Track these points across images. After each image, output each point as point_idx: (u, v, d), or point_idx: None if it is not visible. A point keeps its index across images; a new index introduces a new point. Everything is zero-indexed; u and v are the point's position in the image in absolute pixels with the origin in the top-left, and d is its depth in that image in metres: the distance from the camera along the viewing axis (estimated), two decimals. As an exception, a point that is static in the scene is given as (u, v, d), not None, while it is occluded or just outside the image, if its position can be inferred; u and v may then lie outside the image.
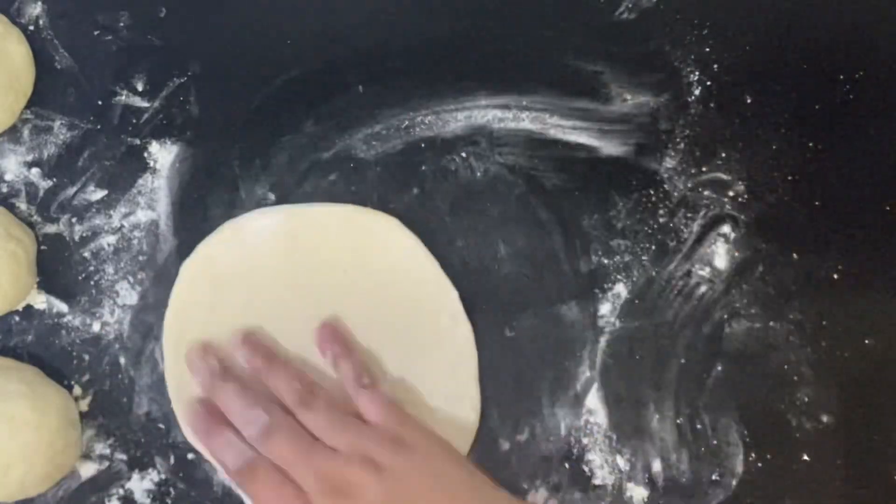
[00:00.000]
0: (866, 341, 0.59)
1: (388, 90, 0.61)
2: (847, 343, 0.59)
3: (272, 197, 0.60)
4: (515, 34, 0.61)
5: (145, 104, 0.61)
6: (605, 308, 0.59)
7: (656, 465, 0.58)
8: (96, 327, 0.59)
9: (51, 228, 0.60)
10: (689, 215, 0.60)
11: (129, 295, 0.60)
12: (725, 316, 0.59)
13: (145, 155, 0.61)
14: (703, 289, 0.59)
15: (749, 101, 0.61)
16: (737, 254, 0.60)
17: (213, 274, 0.59)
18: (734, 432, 0.58)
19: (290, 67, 0.61)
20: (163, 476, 0.59)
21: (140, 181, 0.60)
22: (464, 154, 0.60)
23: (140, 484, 0.58)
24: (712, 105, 0.61)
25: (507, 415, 0.58)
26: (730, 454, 0.58)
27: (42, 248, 0.60)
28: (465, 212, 0.60)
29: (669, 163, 0.60)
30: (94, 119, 0.61)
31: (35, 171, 0.60)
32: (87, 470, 0.58)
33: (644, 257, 0.60)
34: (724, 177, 0.60)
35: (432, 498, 0.51)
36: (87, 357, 0.59)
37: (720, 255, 0.60)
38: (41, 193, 0.60)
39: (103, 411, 0.59)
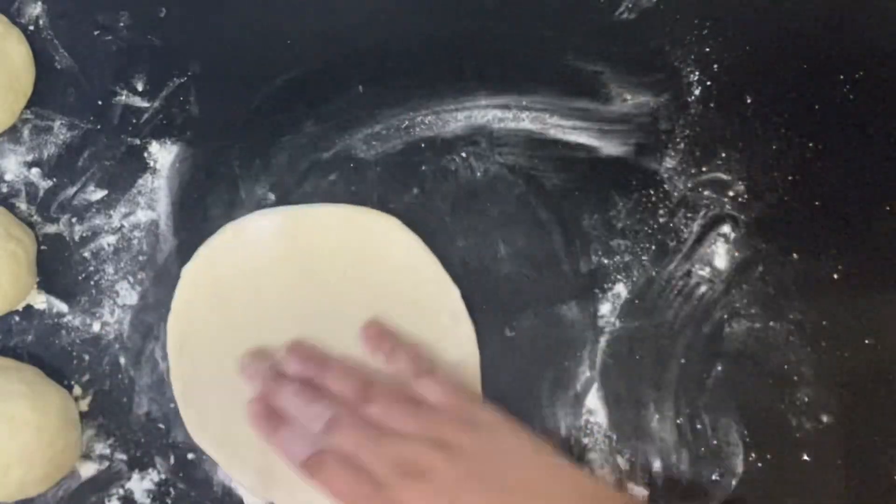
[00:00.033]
0: (866, 341, 0.59)
1: (388, 90, 0.61)
2: (847, 343, 0.59)
3: (272, 197, 0.60)
4: (515, 34, 0.61)
5: (145, 104, 0.61)
6: (605, 308, 0.59)
7: (656, 465, 0.58)
8: (96, 327, 0.59)
9: (51, 228, 0.60)
10: (689, 215, 0.60)
11: (129, 295, 0.60)
12: (725, 316, 0.59)
13: (145, 155, 0.61)
14: (703, 289, 0.59)
15: (749, 101, 0.61)
16: (737, 254, 0.60)
17: (215, 276, 0.59)
18: (734, 432, 0.58)
19: (290, 67, 0.61)
20: (163, 476, 0.59)
21: (140, 181, 0.60)
22: (464, 154, 0.60)
23: (140, 484, 0.58)
24: (712, 105, 0.61)
25: (507, 414, 0.58)
26: (730, 454, 0.58)
27: (42, 248, 0.60)
28: (465, 212, 0.60)
29: (669, 163, 0.60)
30: (94, 119, 0.61)
31: (35, 171, 0.60)
32: (87, 470, 0.58)
33: (644, 257, 0.60)
34: (724, 177, 0.60)
35: (505, 475, 0.51)
36: (87, 357, 0.59)
37: (720, 255, 0.60)
38: (41, 193, 0.60)
39: (103, 411, 0.59)
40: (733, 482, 0.58)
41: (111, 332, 0.59)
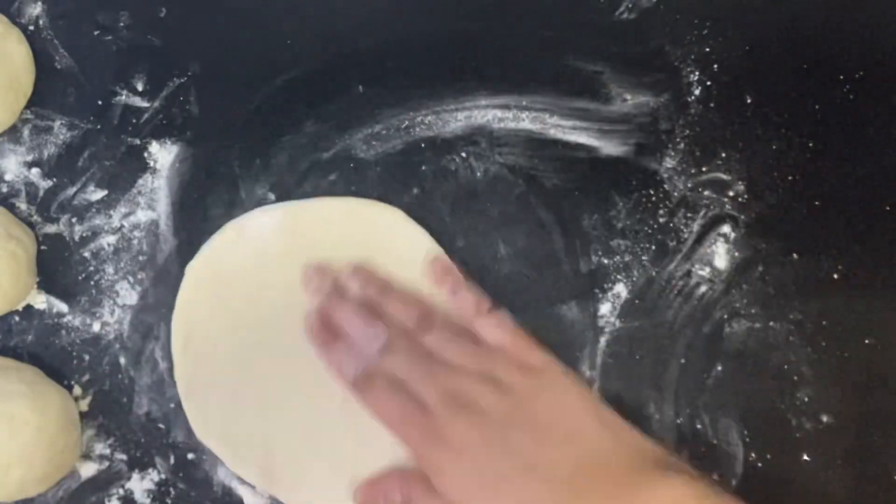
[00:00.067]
0: (866, 341, 0.59)
1: (388, 90, 0.61)
2: (847, 343, 0.59)
3: (272, 197, 0.60)
4: (515, 34, 0.61)
5: (145, 104, 0.61)
6: (605, 308, 0.59)
7: (656, 465, 0.58)
8: (96, 327, 0.59)
9: (51, 228, 0.60)
10: (689, 215, 0.60)
11: (129, 295, 0.60)
12: (725, 316, 0.59)
13: (145, 155, 0.61)
14: (703, 289, 0.59)
15: (749, 101, 0.61)
16: (737, 254, 0.60)
17: (218, 274, 0.59)
18: (734, 432, 0.58)
19: (290, 67, 0.61)
20: (163, 476, 0.59)
21: (140, 181, 0.60)
22: (464, 154, 0.60)
23: (140, 484, 0.58)
24: (712, 105, 0.61)
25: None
26: (730, 454, 0.58)
27: (42, 248, 0.60)
28: (465, 212, 0.60)
29: (669, 163, 0.60)
30: (94, 119, 0.61)
31: (35, 171, 0.60)
32: (87, 470, 0.58)
33: (644, 257, 0.60)
34: (724, 177, 0.60)
35: (553, 419, 0.51)
36: (87, 357, 0.59)
37: (720, 255, 0.60)
38: (41, 193, 0.60)
39: (103, 411, 0.59)
40: (733, 482, 0.58)
41: (111, 332, 0.59)
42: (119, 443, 0.59)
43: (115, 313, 0.60)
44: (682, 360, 0.59)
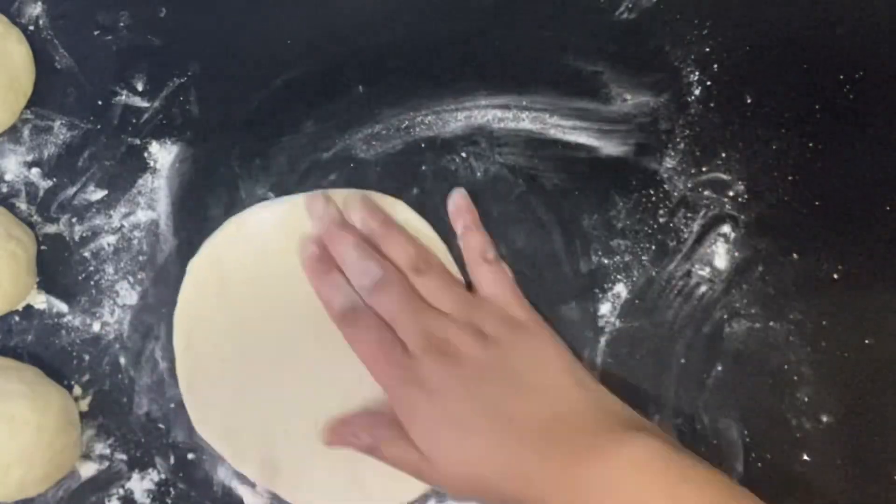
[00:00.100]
0: (866, 341, 0.59)
1: (388, 90, 0.61)
2: (847, 343, 0.59)
3: (272, 197, 0.60)
4: (515, 34, 0.61)
5: (145, 104, 0.61)
6: (605, 308, 0.59)
7: (656, 465, 0.58)
8: (96, 327, 0.59)
9: (51, 228, 0.60)
10: (689, 215, 0.60)
11: (129, 295, 0.60)
12: (725, 316, 0.59)
13: (145, 155, 0.61)
14: (703, 289, 0.59)
15: (749, 101, 0.61)
16: (737, 254, 0.60)
17: (221, 269, 0.59)
18: (734, 432, 0.58)
19: (290, 67, 0.61)
20: (163, 476, 0.59)
21: (140, 181, 0.60)
22: (464, 154, 0.60)
23: (140, 484, 0.58)
24: (712, 105, 0.61)
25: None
26: (730, 454, 0.58)
27: (42, 248, 0.60)
28: (465, 212, 0.60)
29: (669, 163, 0.60)
30: (94, 119, 0.61)
31: (35, 171, 0.60)
32: (87, 470, 0.58)
33: (644, 257, 0.60)
34: (724, 177, 0.60)
35: (531, 377, 0.52)
36: (87, 357, 0.59)
37: (720, 255, 0.60)
38: (41, 193, 0.60)
39: (103, 411, 0.59)
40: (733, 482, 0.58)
41: (111, 332, 0.59)
42: (119, 443, 0.59)
43: (115, 313, 0.60)
44: (682, 360, 0.59)
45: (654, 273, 0.60)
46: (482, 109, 0.61)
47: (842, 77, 0.61)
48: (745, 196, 0.60)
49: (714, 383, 0.59)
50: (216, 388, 0.58)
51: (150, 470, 0.59)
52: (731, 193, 0.60)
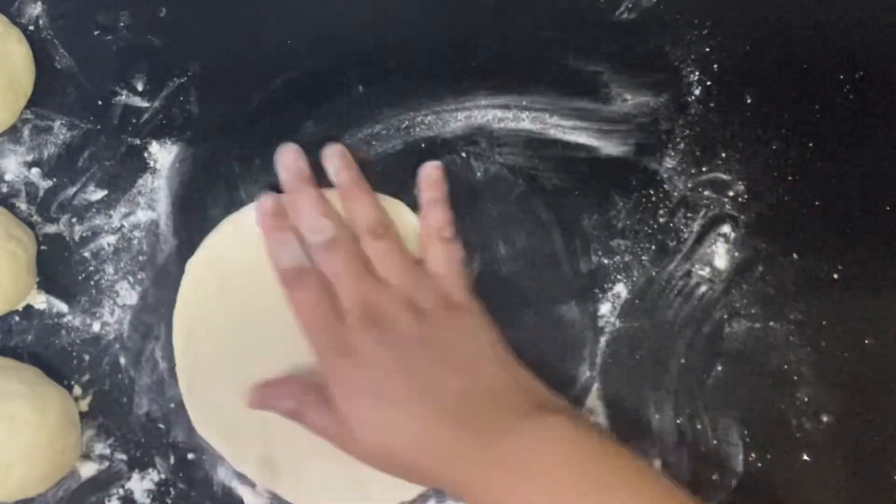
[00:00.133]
0: (866, 341, 0.59)
1: (388, 90, 0.61)
2: (847, 343, 0.59)
3: (272, 197, 0.60)
4: (515, 34, 0.61)
5: (145, 104, 0.61)
6: (605, 308, 0.59)
7: (656, 465, 0.58)
8: (96, 327, 0.59)
9: (51, 228, 0.60)
10: (689, 215, 0.60)
11: (129, 295, 0.60)
12: (725, 316, 0.59)
13: (145, 155, 0.61)
14: (703, 289, 0.59)
15: (749, 101, 0.61)
16: (737, 254, 0.60)
17: (219, 269, 0.59)
18: (734, 432, 0.58)
19: (290, 67, 0.61)
20: (163, 476, 0.59)
21: (140, 181, 0.60)
22: (464, 154, 0.60)
23: (140, 484, 0.58)
24: (712, 105, 0.61)
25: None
26: (730, 454, 0.58)
27: (42, 248, 0.60)
28: (465, 212, 0.60)
29: (669, 163, 0.60)
30: (94, 119, 0.61)
31: (35, 171, 0.60)
32: (87, 470, 0.58)
33: (644, 257, 0.60)
34: (724, 177, 0.60)
35: (458, 355, 0.52)
36: (87, 357, 0.59)
37: (720, 255, 0.60)
38: (41, 193, 0.60)
39: (103, 411, 0.59)
40: (733, 482, 0.58)
41: (111, 332, 0.59)
42: (119, 443, 0.59)
43: (115, 313, 0.60)
44: (682, 360, 0.59)
45: (654, 273, 0.60)
46: (482, 109, 0.61)
47: (842, 77, 0.61)
48: (745, 196, 0.60)
49: (714, 383, 0.59)
50: (216, 388, 0.58)
51: (150, 470, 0.59)
52: (731, 193, 0.60)
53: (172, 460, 0.59)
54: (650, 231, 0.60)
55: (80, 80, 0.61)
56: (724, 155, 0.60)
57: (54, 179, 0.60)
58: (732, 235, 0.60)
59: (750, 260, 0.60)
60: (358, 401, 0.51)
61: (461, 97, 0.61)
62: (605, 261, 0.60)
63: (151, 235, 0.60)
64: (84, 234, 0.60)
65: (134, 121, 0.61)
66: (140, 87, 0.61)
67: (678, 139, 0.60)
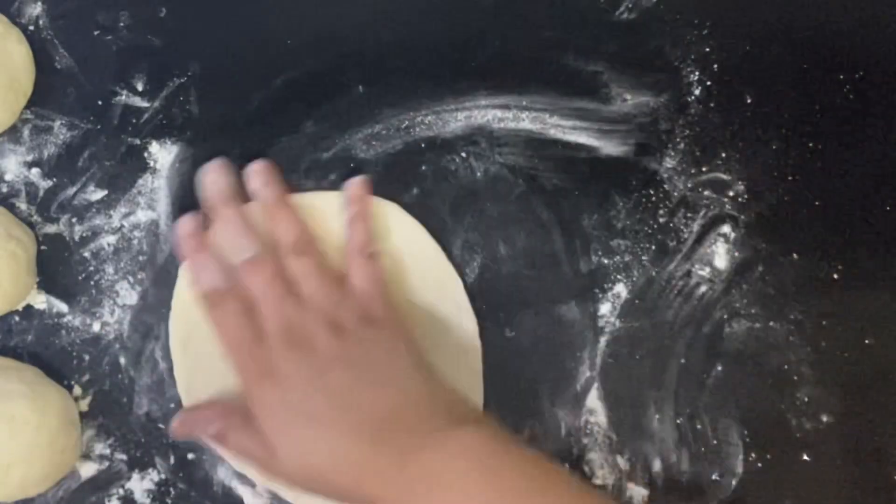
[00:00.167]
0: (866, 341, 0.59)
1: (388, 90, 0.61)
2: (847, 343, 0.59)
3: (272, 197, 0.60)
4: (515, 34, 0.61)
5: (145, 104, 0.61)
6: (605, 308, 0.59)
7: (656, 465, 0.58)
8: (96, 327, 0.59)
9: (51, 228, 0.60)
10: (689, 215, 0.60)
11: (129, 295, 0.60)
12: (725, 316, 0.59)
13: (145, 155, 0.61)
14: (703, 289, 0.59)
15: (749, 101, 0.61)
16: (737, 254, 0.60)
17: None
18: (734, 432, 0.58)
19: (290, 67, 0.61)
20: (163, 476, 0.59)
21: (140, 181, 0.60)
22: (464, 154, 0.60)
23: (140, 484, 0.58)
24: (712, 105, 0.61)
25: (507, 415, 0.58)
26: (730, 454, 0.58)
27: (42, 248, 0.60)
28: (465, 212, 0.60)
29: (669, 163, 0.60)
30: (94, 119, 0.61)
31: (35, 171, 0.60)
32: (87, 470, 0.58)
33: (644, 257, 0.60)
34: (724, 177, 0.60)
35: (377, 371, 0.52)
36: (87, 357, 0.59)
37: (720, 255, 0.60)
38: (41, 193, 0.60)
39: (103, 411, 0.59)
40: (733, 482, 0.58)
41: (111, 332, 0.59)
42: (119, 443, 0.59)
43: (115, 313, 0.59)
44: (682, 360, 0.59)
45: (654, 273, 0.60)
46: (482, 109, 0.61)
47: (842, 77, 0.61)
48: (745, 196, 0.60)
49: (714, 383, 0.59)
50: (215, 389, 0.58)
51: (150, 470, 0.59)
52: (731, 193, 0.60)
53: (172, 460, 0.59)
54: (650, 231, 0.60)
55: (80, 80, 0.61)
56: (724, 155, 0.60)
57: (54, 179, 0.60)
58: (732, 235, 0.60)
59: (750, 260, 0.60)
60: (281, 423, 0.51)
61: (461, 97, 0.61)
62: (605, 261, 0.60)
63: (151, 235, 0.60)
64: (84, 234, 0.60)
65: (134, 121, 0.61)
66: (140, 87, 0.61)
67: (678, 139, 0.60)
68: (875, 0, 0.62)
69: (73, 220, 0.60)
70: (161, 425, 0.59)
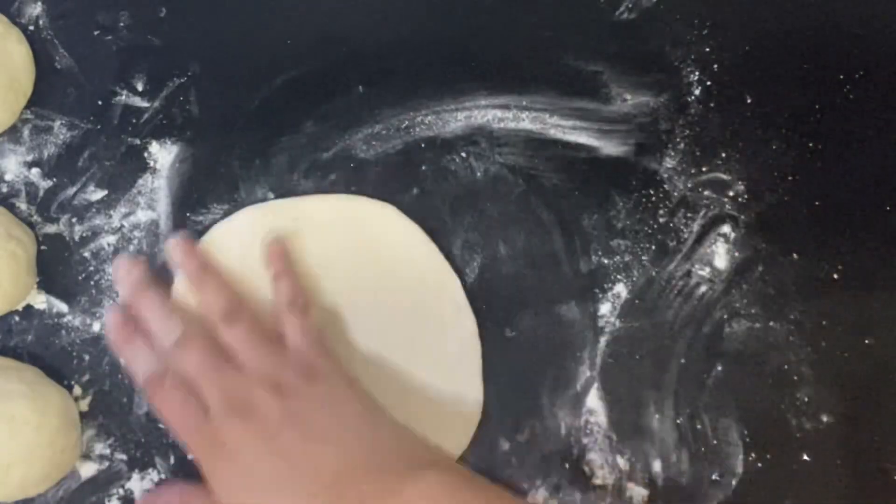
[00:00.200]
0: (866, 341, 0.59)
1: (388, 90, 0.61)
2: (847, 343, 0.59)
3: (272, 197, 0.60)
4: (515, 34, 0.61)
5: (145, 104, 0.61)
6: (605, 308, 0.59)
7: (656, 465, 0.58)
8: (96, 327, 0.59)
9: (51, 228, 0.60)
10: (689, 215, 0.60)
11: (129, 295, 0.60)
12: (725, 316, 0.59)
13: (145, 155, 0.61)
14: (703, 289, 0.59)
15: (749, 101, 0.61)
16: (737, 254, 0.60)
17: None
18: (734, 432, 0.58)
19: (290, 67, 0.61)
20: (163, 476, 0.59)
21: (140, 181, 0.60)
22: (464, 154, 0.60)
23: (140, 484, 0.58)
24: (712, 105, 0.61)
25: (507, 415, 0.58)
26: (730, 454, 0.58)
27: (42, 248, 0.60)
28: (465, 212, 0.60)
29: (669, 163, 0.60)
30: (94, 119, 0.61)
31: (35, 171, 0.60)
32: (87, 470, 0.58)
33: (644, 257, 0.60)
34: (724, 177, 0.60)
35: (326, 426, 0.51)
36: (87, 357, 0.59)
37: (720, 255, 0.60)
38: (41, 193, 0.60)
39: (103, 411, 0.59)
40: (733, 482, 0.58)
41: (111, 332, 0.59)
42: (119, 443, 0.59)
43: (115, 313, 0.59)
44: (682, 360, 0.59)
45: (654, 273, 0.60)
46: (482, 109, 0.61)
47: (842, 77, 0.61)
48: (745, 196, 0.60)
49: (714, 383, 0.59)
50: None
51: (150, 470, 0.58)
52: (731, 193, 0.60)
53: (172, 460, 0.59)
54: (650, 231, 0.60)
55: (80, 80, 0.61)
56: (724, 155, 0.60)
57: (54, 179, 0.60)
58: (732, 235, 0.60)
59: (750, 260, 0.60)
60: (235, 493, 0.50)
61: (461, 97, 0.61)
62: (605, 261, 0.60)
63: (151, 235, 0.60)
64: (84, 234, 0.60)
65: (134, 121, 0.61)
66: (140, 87, 0.61)
67: (678, 139, 0.60)
68: (875, 0, 0.62)
69: (73, 220, 0.60)
70: (161, 425, 0.59)
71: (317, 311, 0.58)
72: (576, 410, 0.59)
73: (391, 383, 0.58)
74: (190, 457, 0.59)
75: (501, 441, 0.59)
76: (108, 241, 0.60)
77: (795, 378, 0.59)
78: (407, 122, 0.61)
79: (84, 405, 0.59)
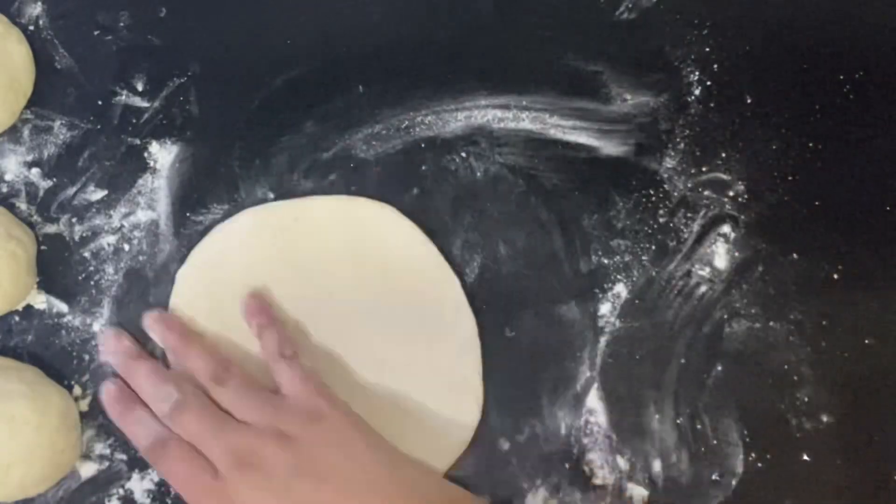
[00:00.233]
0: (866, 341, 0.59)
1: (388, 90, 0.61)
2: (847, 343, 0.59)
3: (272, 197, 0.60)
4: (515, 34, 0.61)
5: (145, 104, 0.61)
6: (605, 308, 0.59)
7: (656, 465, 0.58)
8: (96, 327, 0.59)
9: (51, 228, 0.60)
10: (689, 215, 0.60)
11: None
12: (725, 316, 0.59)
13: (145, 155, 0.61)
14: (703, 289, 0.59)
15: (749, 101, 0.61)
16: (737, 254, 0.60)
17: (209, 279, 0.59)
18: (734, 432, 0.58)
19: (290, 67, 0.61)
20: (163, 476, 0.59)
21: (140, 181, 0.60)
22: (464, 154, 0.60)
23: (140, 484, 0.58)
24: (712, 105, 0.61)
25: (507, 415, 0.58)
26: (730, 454, 0.58)
27: (42, 248, 0.60)
28: (465, 212, 0.60)
29: (669, 163, 0.60)
30: (94, 119, 0.61)
31: (35, 171, 0.60)
32: (87, 470, 0.58)
33: (644, 257, 0.60)
34: (724, 177, 0.60)
35: (340, 469, 0.51)
36: (87, 357, 0.59)
37: (720, 255, 0.60)
38: (41, 193, 0.60)
39: (103, 411, 0.59)
40: (733, 482, 0.58)
41: (111, 332, 0.59)
42: (119, 443, 0.59)
43: (115, 313, 0.60)
44: (682, 360, 0.59)
45: (654, 273, 0.60)
46: (482, 109, 0.61)
47: (842, 77, 0.61)
48: (745, 196, 0.60)
49: (714, 383, 0.59)
50: None
51: (150, 470, 0.58)
52: (731, 193, 0.60)
53: (172, 460, 0.59)
54: (650, 231, 0.60)
55: (80, 80, 0.61)
56: (724, 155, 0.60)
57: (54, 179, 0.60)
58: (732, 235, 0.60)
59: (750, 260, 0.60)
60: None
61: (461, 97, 0.61)
62: (605, 261, 0.60)
63: (151, 235, 0.60)
64: (84, 234, 0.60)
65: (134, 121, 0.61)
66: (140, 87, 0.61)
67: (678, 139, 0.60)
68: (875, 0, 0.62)
69: (73, 220, 0.60)
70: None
71: (316, 312, 0.58)
72: (576, 410, 0.59)
73: (391, 383, 0.58)
74: None
75: (501, 441, 0.59)
76: (108, 241, 0.60)
77: (795, 378, 0.59)
78: (407, 122, 0.61)
79: (84, 405, 0.59)
